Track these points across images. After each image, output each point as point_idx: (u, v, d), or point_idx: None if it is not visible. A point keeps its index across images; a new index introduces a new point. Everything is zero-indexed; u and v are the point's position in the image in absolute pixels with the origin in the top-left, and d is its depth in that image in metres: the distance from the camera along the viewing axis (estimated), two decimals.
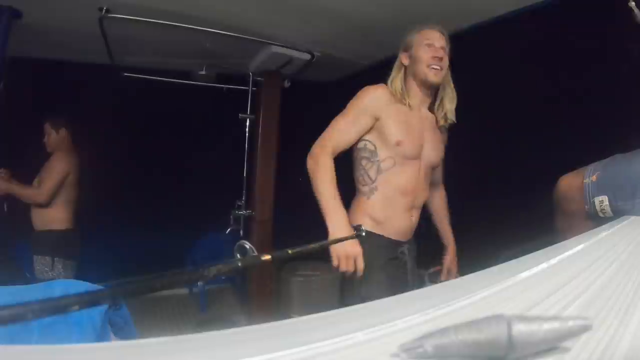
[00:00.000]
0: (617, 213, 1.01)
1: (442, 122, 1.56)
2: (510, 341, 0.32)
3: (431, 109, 1.57)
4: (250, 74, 3.14)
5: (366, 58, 2.91)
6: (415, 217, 1.53)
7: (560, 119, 1.82)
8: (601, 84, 1.66)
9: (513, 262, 0.69)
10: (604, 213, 1.01)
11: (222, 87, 3.34)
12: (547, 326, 0.33)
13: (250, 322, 2.93)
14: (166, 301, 3.43)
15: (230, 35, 2.44)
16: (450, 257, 1.72)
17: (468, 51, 2.31)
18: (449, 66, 1.49)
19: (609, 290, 0.53)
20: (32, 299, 0.37)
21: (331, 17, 2.24)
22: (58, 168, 2.45)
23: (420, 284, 1.78)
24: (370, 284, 1.42)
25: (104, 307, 1.00)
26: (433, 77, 1.44)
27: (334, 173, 1.37)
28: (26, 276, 2.41)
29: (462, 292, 0.50)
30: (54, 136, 2.50)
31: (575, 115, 1.76)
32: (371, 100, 1.44)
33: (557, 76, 1.86)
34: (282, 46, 2.69)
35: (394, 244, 1.49)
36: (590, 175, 1.05)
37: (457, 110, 1.59)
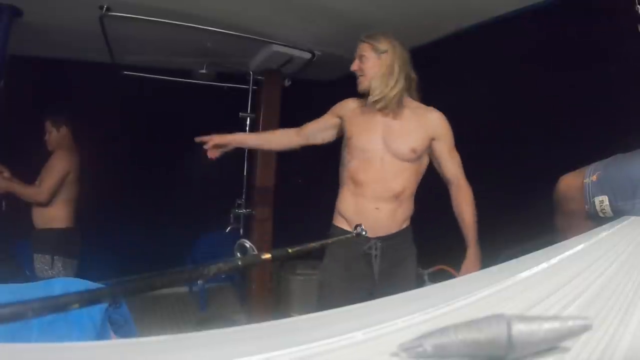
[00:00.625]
0: (617, 213, 1.01)
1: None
2: (510, 341, 0.32)
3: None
4: (251, 72, 3.13)
5: None
6: (384, 210, 1.56)
7: (561, 119, 1.82)
8: (602, 84, 1.66)
9: (513, 261, 0.69)
10: (604, 213, 1.01)
11: (223, 86, 3.33)
12: (547, 326, 0.33)
13: (250, 320, 2.93)
14: (166, 299, 3.43)
15: (230, 34, 2.44)
16: (466, 262, 1.59)
17: (468, 51, 2.32)
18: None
19: (609, 290, 0.53)
20: (32, 297, 0.37)
21: (332, 16, 2.24)
22: (58, 167, 2.44)
23: (420, 283, 1.78)
24: (326, 272, 1.65)
25: (104, 306, 1.01)
26: (359, 86, 1.65)
27: (280, 134, 1.88)
28: (26, 274, 2.41)
29: (462, 292, 0.50)
30: (55, 134, 2.49)
31: (576, 115, 1.76)
32: (338, 106, 1.77)
33: (558, 76, 1.85)
34: (283, 45, 2.68)
35: (359, 238, 1.53)
36: (590, 175, 1.05)
37: (458, 110, 1.61)
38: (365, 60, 1.62)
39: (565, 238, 1.12)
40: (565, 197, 1.15)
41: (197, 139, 1.71)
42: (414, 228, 1.72)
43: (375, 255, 1.56)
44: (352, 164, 1.61)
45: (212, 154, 1.72)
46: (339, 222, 1.65)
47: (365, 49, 1.64)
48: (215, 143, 1.71)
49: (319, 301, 1.69)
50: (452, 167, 1.65)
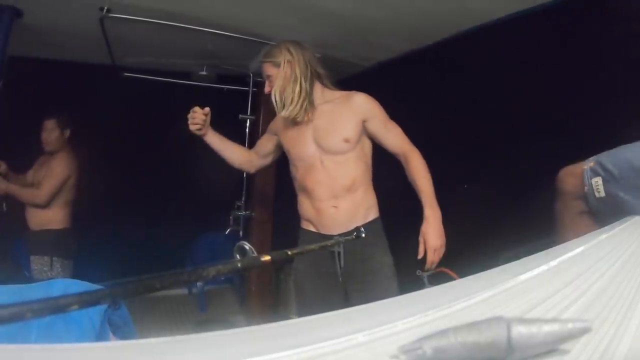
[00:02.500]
0: (609, 195, 1.06)
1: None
2: (510, 343, 0.32)
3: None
4: (251, 74, 3.14)
5: (366, 59, 2.91)
6: (342, 205, 1.59)
7: (563, 119, 1.82)
8: (603, 84, 1.66)
9: (513, 263, 0.69)
10: (598, 192, 1.07)
11: (223, 88, 3.34)
12: (546, 328, 0.33)
13: (249, 322, 2.93)
14: (165, 301, 3.42)
15: (230, 35, 2.44)
16: (425, 224, 1.52)
17: (467, 52, 2.32)
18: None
19: (609, 292, 0.53)
20: (31, 298, 0.37)
21: (332, 18, 2.24)
22: (59, 171, 2.44)
23: (420, 285, 1.78)
24: (298, 273, 1.72)
25: (103, 307, 1.00)
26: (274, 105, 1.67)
27: (236, 147, 1.94)
28: (25, 275, 2.41)
29: (461, 294, 0.49)
30: (58, 135, 2.47)
31: (578, 115, 1.76)
32: (272, 122, 1.87)
33: (558, 76, 1.86)
34: None
35: (323, 237, 1.59)
36: (589, 162, 1.12)
37: (457, 110, 1.61)
38: (272, 80, 1.66)
39: (563, 225, 1.17)
40: (566, 183, 1.19)
41: (193, 110, 1.82)
42: (415, 229, 1.72)
43: (339, 252, 1.57)
44: (299, 174, 1.68)
45: (192, 126, 1.82)
46: (306, 226, 1.71)
47: (267, 69, 1.68)
48: (199, 119, 1.81)
49: (297, 303, 1.74)
50: (393, 139, 1.65)
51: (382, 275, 1.61)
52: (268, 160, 1.89)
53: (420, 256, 1.52)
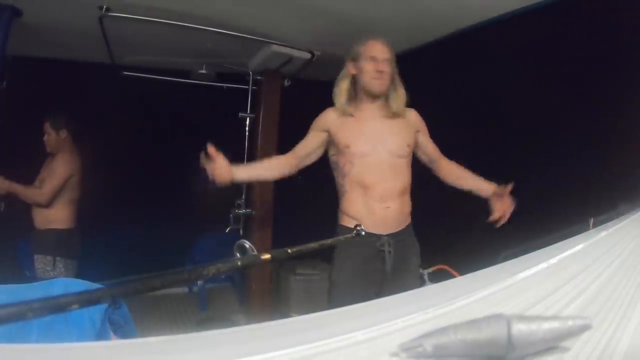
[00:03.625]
0: None
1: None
2: (510, 341, 0.32)
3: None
4: (251, 72, 3.13)
5: None
6: (393, 207, 1.62)
7: (562, 120, 1.82)
8: (604, 85, 1.66)
9: (513, 261, 0.69)
10: None
11: (222, 86, 3.33)
12: (546, 326, 0.33)
13: (249, 321, 2.93)
14: (166, 300, 3.43)
15: (230, 34, 2.44)
16: (499, 190, 1.63)
17: (467, 51, 2.32)
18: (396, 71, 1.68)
19: (608, 290, 0.53)
20: (32, 298, 0.37)
21: (331, 16, 2.24)
22: (61, 170, 2.44)
23: (420, 283, 1.78)
24: (342, 271, 1.65)
25: (103, 306, 1.00)
26: (377, 88, 1.63)
27: (281, 162, 1.75)
28: (26, 275, 2.41)
29: (462, 292, 0.50)
30: (54, 137, 2.49)
31: (574, 117, 1.76)
32: (320, 120, 1.74)
33: (559, 75, 1.86)
34: (282, 45, 2.68)
35: (371, 237, 1.58)
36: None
37: (457, 109, 1.61)
38: (388, 65, 1.63)
39: None
40: None
41: (208, 149, 1.65)
42: (415, 227, 1.73)
43: (389, 252, 1.61)
44: (355, 170, 1.64)
45: (217, 178, 1.65)
46: (347, 223, 1.65)
47: (388, 53, 1.64)
48: (222, 166, 1.64)
49: (330, 300, 1.71)
50: (435, 150, 1.78)
51: (414, 275, 1.72)
52: (310, 159, 1.78)
53: (499, 215, 1.61)
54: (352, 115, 1.67)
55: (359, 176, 1.63)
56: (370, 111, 1.68)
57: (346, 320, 0.43)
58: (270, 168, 1.77)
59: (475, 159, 2.17)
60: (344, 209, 1.68)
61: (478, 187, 1.69)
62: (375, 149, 1.63)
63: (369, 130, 1.65)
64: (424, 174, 1.78)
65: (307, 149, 1.74)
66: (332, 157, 1.71)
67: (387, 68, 1.62)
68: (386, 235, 1.61)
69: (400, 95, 1.68)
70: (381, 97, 1.66)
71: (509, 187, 1.60)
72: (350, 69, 1.68)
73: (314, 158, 1.79)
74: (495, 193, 1.63)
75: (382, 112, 1.68)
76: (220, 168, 1.62)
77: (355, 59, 1.67)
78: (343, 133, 1.66)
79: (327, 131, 1.70)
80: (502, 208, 1.61)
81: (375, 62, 1.61)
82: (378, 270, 1.63)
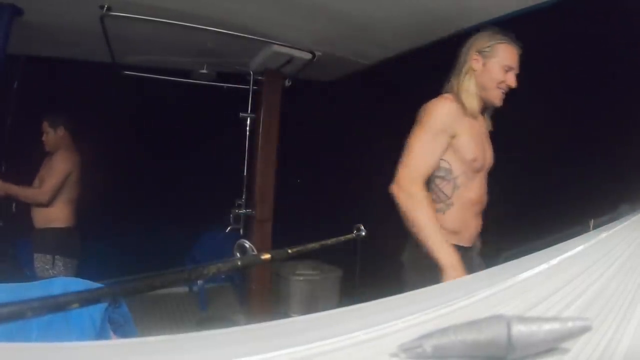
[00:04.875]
0: None
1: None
2: (510, 342, 0.32)
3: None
4: (251, 73, 3.13)
5: (367, 58, 2.90)
6: (479, 221, 1.51)
7: (562, 121, 1.82)
8: (604, 86, 1.66)
9: (513, 262, 0.69)
10: None
11: (223, 86, 3.33)
12: (547, 327, 0.33)
13: (249, 321, 2.93)
14: (166, 299, 3.42)
15: (231, 34, 2.44)
16: None
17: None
18: None
19: (609, 291, 0.53)
20: (32, 297, 0.37)
21: (332, 17, 2.24)
22: (60, 168, 2.45)
23: None
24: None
25: (103, 305, 1.01)
26: (498, 102, 1.41)
27: (431, 204, 1.32)
28: (26, 275, 2.41)
29: (462, 293, 0.50)
30: (52, 135, 2.49)
31: (575, 118, 1.76)
32: (446, 118, 1.37)
33: (560, 77, 1.86)
34: (283, 45, 2.68)
35: (466, 250, 1.45)
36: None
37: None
38: (514, 72, 1.41)
39: None
40: None
41: None
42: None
43: (478, 264, 1.51)
44: (470, 184, 1.43)
45: None
46: (448, 238, 1.38)
47: (517, 61, 1.41)
48: None
49: None
50: None
51: None
52: None
53: None
54: (474, 119, 1.41)
55: (471, 190, 1.43)
56: (481, 119, 1.48)
57: (346, 320, 0.43)
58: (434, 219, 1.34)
59: None
60: (444, 224, 1.38)
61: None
62: (484, 164, 1.47)
63: (479, 138, 1.45)
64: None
65: (435, 165, 1.38)
66: (442, 163, 1.40)
67: (513, 80, 1.39)
68: (472, 246, 1.50)
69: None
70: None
71: None
72: (474, 63, 1.41)
73: None
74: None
75: (484, 123, 1.51)
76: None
77: (487, 56, 1.41)
78: (469, 141, 1.39)
79: (454, 135, 1.38)
80: None
81: (509, 72, 1.39)
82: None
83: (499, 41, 1.40)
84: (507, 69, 1.38)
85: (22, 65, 2.55)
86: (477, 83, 1.40)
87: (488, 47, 1.40)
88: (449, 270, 1.22)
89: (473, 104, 1.39)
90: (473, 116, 1.40)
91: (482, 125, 1.49)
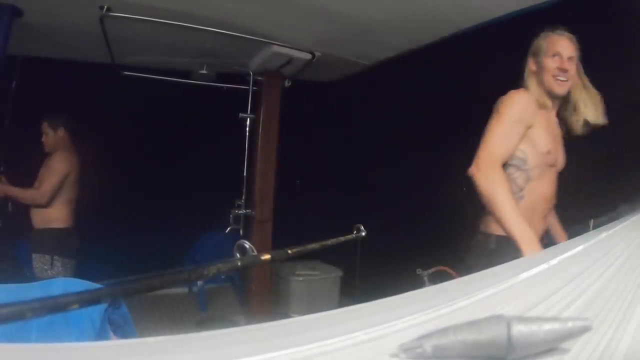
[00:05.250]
0: None
1: (578, 129, 1.49)
2: (510, 342, 0.32)
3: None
4: (251, 73, 3.13)
5: (367, 58, 2.91)
6: (545, 225, 1.50)
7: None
8: (604, 85, 1.66)
9: (513, 262, 0.69)
10: None
11: (223, 87, 3.33)
12: (546, 327, 0.33)
13: (249, 321, 2.93)
14: (166, 300, 3.42)
15: (231, 34, 2.44)
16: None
17: (467, 52, 2.32)
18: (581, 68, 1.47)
19: (609, 291, 0.53)
20: (32, 298, 0.37)
21: (332, 17, 2.24)
22: (58, 168, 2.44)
23: (420, 284, 1.78)
24: None
25: (103, 306, 1.00)
26: (558, 89, 1.42)
27: (508, 184, 1.34)
28: (26, 275, 2.41)
29: (462, 293, 0.50)
30: (52, 136, 2.49)
31: None
32: (524, 107, 1.41)
33: None
34: (283, 46, 2.68)
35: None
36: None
37: (457, 109, 1.58)
38: (572, 63, 1.42)
39: None
40: None
41: None
42: (416, 229, 1.72)
43: None
44: (541, 178, 1.43)
45: None
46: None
47: (571, 50, 1.42)
48: None
49: None
50: None
51: None
52: None
53: None
54: (546, 109, 1.44)
55: (543, 186, 1.43)
56: (552, 114, 1.48)
57: (346, 320, 0.43)
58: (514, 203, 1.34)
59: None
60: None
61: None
62: (557, 160, 1.47)
63: (556, 139, 1.46)
64: (424, 176, 1.78)
65: (512, 151, 1.40)
66: (517, 152, 1.41)
67: (572, 67, 1.42)
68: None
69: (595, 100, 1.45)
70: (559, 100, 1.47)
71: None
72: (530, 65, 1.48)
73: None
74: None
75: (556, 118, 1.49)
76: None
77: (536, 54, 1.47)
78: (544, 133, 1.42)
79: (531, 127, 1.41)
80: None
81: (559, 58, 1.41)
82: None
83: (544, 37, 1.46)
84: (553, 55, 1.41)
85: (20, 65, 2.54)
86: (538, 82, 1.45)
87: (537, 47, 1.47)
88: (526, 247, 1.22)
89: (542, 97, 1.44)
90: (546, 107, 1.43)
91: (556, 125, 1.50)
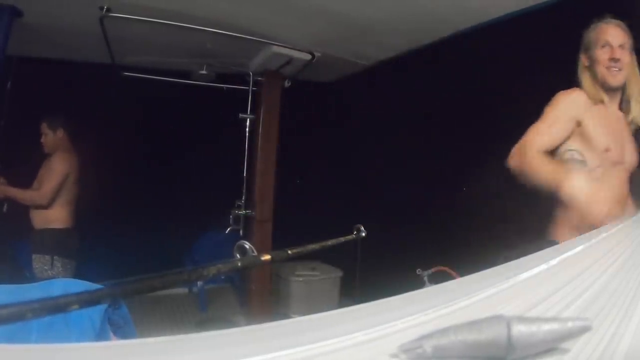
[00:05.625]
0: None
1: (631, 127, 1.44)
2: (510, 342, 0.32)
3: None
4: (251, 73, 3.13)
5: (366, 58, 2.91)
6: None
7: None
8: None
9: (513, 262, 0.69)
10: None
11: (222, 87, 3.33)
12: (546, 327, 0.33)
13: (249, 322, 2.93)
14: (166, 300, 3.42)
15: (230, 35, 2.44)
16: None
17: (467, 52, 2.32)
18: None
19: (609, 291, 0.53)
20: (32, 298, 0.37)
21: (331, 17, 2.24)
22: (58, 169, 2.44)
23: (419, 284, 1.78)
24: None
25: (103, 307, 1.00)
26: (611, 80, 1.37)
27: (551, 163, 1.32)
28: (26, 276, 2.41)
29: (462, 293, 0.50)
30: (51, 137, 2.50)
31: None
32: (568, 103, 1.38)
33: (560, 77, 1.86)
34: (283, 46, 2.69)
35: None
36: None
37: (457, 109, 1.58)
38: (624, 51, 1.35)
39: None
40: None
41: None
42: (416, 229, 1.72)
43: None
44: (599, 171, 1.36)
45: None
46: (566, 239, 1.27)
47: (621, 37, 1.36)
48: None
49: None
50: None
51: None
52: None
53: None
54: (603, 103, 1.38)
55: (608, 188, 1.35)
56: (613, 109, 1.41)
57: (346, 321, 0.43)
58: None
59: (475, 160, 2.17)
60: (569, 219, 1.33)
61: None
62: (622, 157, 1.38)
63: (620, 134, 1.38)
64: (425, 176, 1.78)
65: (550, 143, 1.36)
66: (575, 154, 1.37)
67: (624, 55, 1.35)
68: None
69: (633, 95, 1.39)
70: (618, 91, 1.41)
71: None
72: (583, 61, 1.43)
73: None
74: None
75: (623, 117, 1.42)
76: None
77: (587, 48, 1.42)
78: (599, 129, 1.35)
79: (580, 124, 1.36)
80: None
81: (609, 48, 1.36)
82: None
83: (594, 28, 1.41)
84: (603, 45, 1.37)
85: (15, 65, 2.54)
86: (592, 76, 1.40)
87: (587, 40, 1.42)
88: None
89: (589, 89, 1.39)
90: (602, 102, 1.38)
91: (619, 120, 1.43)
